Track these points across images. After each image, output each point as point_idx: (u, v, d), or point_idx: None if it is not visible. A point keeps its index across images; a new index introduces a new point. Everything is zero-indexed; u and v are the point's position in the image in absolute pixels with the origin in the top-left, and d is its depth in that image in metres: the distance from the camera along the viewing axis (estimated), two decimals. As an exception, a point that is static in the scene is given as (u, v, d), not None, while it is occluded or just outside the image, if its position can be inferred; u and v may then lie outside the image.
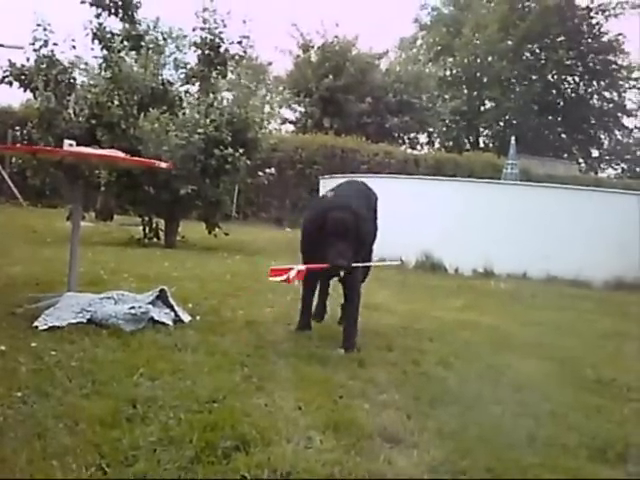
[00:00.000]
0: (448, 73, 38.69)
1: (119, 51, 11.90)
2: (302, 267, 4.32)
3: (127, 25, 13.30)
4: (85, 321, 4.42)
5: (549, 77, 39.11)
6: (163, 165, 5.67)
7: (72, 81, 12.38)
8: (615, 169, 42.74)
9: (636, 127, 41.69)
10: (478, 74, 39.86)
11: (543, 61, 38.81)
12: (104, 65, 12.27)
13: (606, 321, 6.93)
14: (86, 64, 12.97)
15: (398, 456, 2.70)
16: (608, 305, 8.20)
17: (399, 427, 3.03)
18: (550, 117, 38.89)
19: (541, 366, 4.58)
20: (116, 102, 11.40)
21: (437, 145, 39.53)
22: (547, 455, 2.88)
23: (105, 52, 12.55)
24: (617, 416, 3.59)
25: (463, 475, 2.57)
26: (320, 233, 4.36)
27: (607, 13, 38.96)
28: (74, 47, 12.57)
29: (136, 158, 6.24)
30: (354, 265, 4.39)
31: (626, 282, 10.60)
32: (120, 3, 13.24)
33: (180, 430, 2.73)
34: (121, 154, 5.21)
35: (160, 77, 12.37)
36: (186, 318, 4.89)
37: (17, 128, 17.15)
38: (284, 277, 4.22)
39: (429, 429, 3.03)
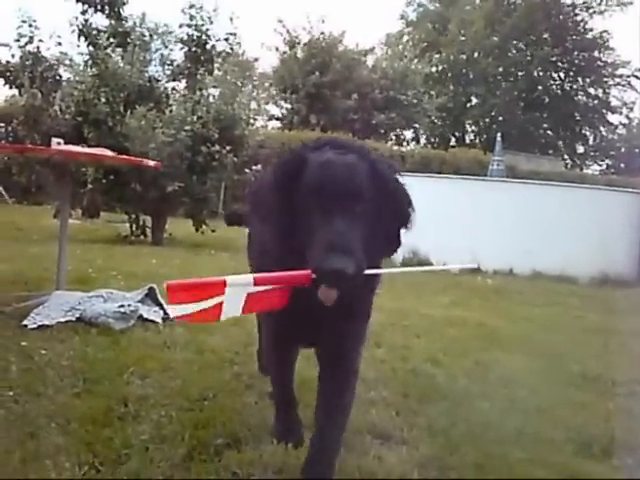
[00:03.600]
0: (434, 69, 38.73)
1: (105, 48, 11.86)
2: (248, 282, 2.08)
3: (113, 21, 13.26)
4: (74, 319, 4.42)
5: (535, 73, 39.27)
6: (151, 164, 5.67)
7: (58, 78, 12.34)
8: (600, 165, 43.08)
9: (621, 123, 41.94)
10: (464, 70, 39.98)
11: (529, 57, 38.95)
12: (90, 62, 12.23)
13: (592, 317, 7.00)
14: (72, 61, 12.93)
15: (388, 452, 2.74)
16: (594, 301, 8.27)
17: (388, 424, 3.06)
18: (536, 113, 39.04)
19: (528, 362, 4.63)
20: (102, 99, 11.37)
21: (423, 141, 39.65)
22: (534, 450, 2.91)
23: (91, 49, 12.51)
24: (602, 411, 3.63)
25: (452, 471, 2.60)
26: (292, 202, 2.13)
27: (592, 10, 39.18)
28: (60, 44, 12.57)
29: (124, 156, 6.24)
30: (370, 273, 2.09)
31: (611, 278, 10.71)
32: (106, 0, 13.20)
33: (172, 428, 2.75)
34: (109, 152, 5.21)
35: (146, 74, 12.36)
36: (175, 316, 4.90)
37: (1, 125, 17.06)
38: (195, 308, 2.02)
39: (418, 426, 3.07)
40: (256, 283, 2.06)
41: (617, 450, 3.02)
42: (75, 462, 2.33)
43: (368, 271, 2.05)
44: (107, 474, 2.29)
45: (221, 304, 2.03)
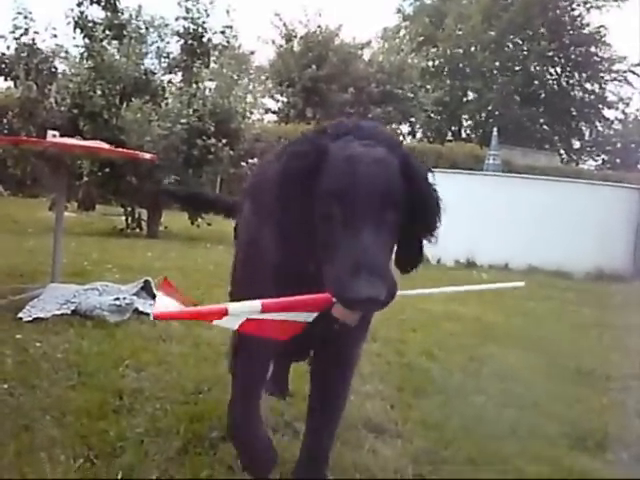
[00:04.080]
0: (431, 64, 38.64)
1: (101, 40, 11.84)
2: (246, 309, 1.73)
3: (109, 14, 13.23)
4: (69, 312, 4.42)
5: (531, 68, 39.23)
6: (147, 157, 5.66)
7: (53, 70, 12.31)
8: (596, 160, 43.07)
9: (617, 119, 41.97)
10: (461, 65, 39.92)
11: (525, 52, 38.92)
12: (86, 54, 12.22)
13: (587, 312, 7.02)
14: (67, 53, 12.89)
15: (382, 446, 2.74)
16: (589, 296, 8.29)
17: (383, 417, 3.07)
18: (532, 108, 39.00)
19: (523, 357, 4.64)
20: (98, 92, 11.35)
21: (419, 135, 39.59)
22: (528, 445, 2.92)
23: (87, 41, 12.50)
24: (596, 405, 3.65)
25: (446, 465, 2.61)
26: (305, 204, 1.75)
27: (589, 5, 39.13)
28: (55, 35, 12.54)
29: (120, 149, 6.22)
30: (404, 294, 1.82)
31: (607, 273, 10.73)
32: (102, -8, 13.17)
33: (167, 421, 2.75)
34: (105, 145, 5.20)
35: (142, 67, 12.32)
36: (170, 309, 4.90)
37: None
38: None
39: (413, 419, 3.08)
40: (264, 309, 1.70)
41: (611, 444, 3.03)
42: (70, 455, 2.33)
43: (401, 292, 1.69)
44: (102, 467, 2.29)
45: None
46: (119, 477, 2.21)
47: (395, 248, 1.83)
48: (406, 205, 1.74)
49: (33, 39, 12.07)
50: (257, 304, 1.69)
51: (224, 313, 1.68)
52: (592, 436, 3.08)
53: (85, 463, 2.30)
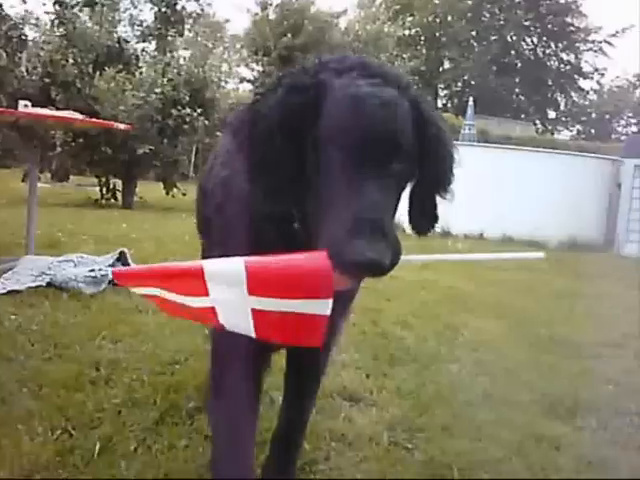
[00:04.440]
0: (407, 32, 38.41)
1: (72, 7, 11.64)
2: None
3: (80, -21, 12.97)
4: (45, 285, 4.40)
5: (508, 38, 39.20)
6: (122, 127, 5.61)
7: (24, 38, 12.08)
8: (571, 131, 43.34)
9: (592, 89, 42.16)
10: (437, 34, 39.78)
11: (502, 22, 38.86)
12: (57, 21, 11.98)
13: (560, 281, 7.12)
14: (38, 20, 12.69)
15: (357, 414, 2.79)
16: (562, 265, 8.38)
17: (358, 386, 3.10)
18: (508, 78, 39.05)
19: (496, 325, 4.70)
20: (71, 60, 11.21)
21: (395, 105, 39.46)
22: (501, 412, 2.98)
23: (58, 8, 12.23)
24: (568, 373, 3.71)
25: (420, 432, 2.65)
26: (301, 146, 1.48)
27: (565, -26, 39.05)
28: (25, 1, 12.31)
29: (94, 120, 6.15)
30: (410, 259, 1.60)
31: (580, 243, 10.86)
32: (73, -44, 12.89)
33: (144, 392, 2.76)
34: (79, 116, 5.14)
35: (115, 35, 12.17)
36: (146, 280, 4.90)
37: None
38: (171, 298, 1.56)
39: (388, 388, 3.12)
40: (249, 271, 1.37)
41: (581, 410, 3.10)
42: (47, 427, 2.34)
43: (409, 257, 1.51)
44: (79, 438, 2.30)
45: (213, 309, 1.45)
46: (97, 448, 2.22)
47: (407, 207, 1.65)
48: (417, 155, 1.51)
49: (1, 5, 11.83)
50: (239, 263, 1.39)
51: (199, 273, 1.42)
52: (563, 403, 3.14)
53: (63, 435, 2.31)
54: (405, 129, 1.47)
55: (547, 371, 3.72)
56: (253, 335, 1.42)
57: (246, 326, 1.42)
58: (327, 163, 1.42)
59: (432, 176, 1.63)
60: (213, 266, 1.44)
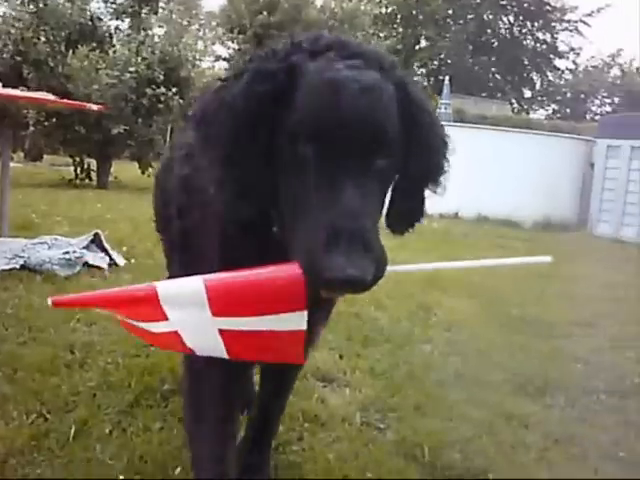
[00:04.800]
0: (383, 10, 38.27)
1: (43, -17, 11.45)
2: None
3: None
4: (18, 267, 4.38)
5: (484, 16, 39.15)
6: (94, 108, 5.57)
7: (-7, 14, 11.88)
8: (546, 110, 43.54)
9: (567, 69, 42.31)
10: (413, 12, 39.61)
11: (478, 0, 38.78)
12: (28, -2, 11.79)
13: (533, 261, 7.19)
14: (7, -5, 12.46)
15: (331, 395, 2.83)
16: (536, 245, 8.49)
17: (332, 367, 3.14)
18: (484, 57, 39.08)
19: (470, 305, 4.77)
20: (42, 38, 11.03)
21: (371, 83, 39.33)
22: (472, 391, 3.04)
23: (28, -16, 12.04)
24: (538, 352, 3.79)
25: (392, 412, 2.70)
26: (268, 140, 1.30)
27: (541, -48, 39.02)
28: (-7, -23, 12.04)
29: (66, 100, 6.09)
30: (397, 269, 1.50)
31: (554, 222, 10.99)
32: None
33: (119, 375, 2.78)
34: (51, 96, 5.09)
35: (88, 12, 11.98)
36: (121, 261, 4.90)
37: None
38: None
39: (361, 368, 3.17)
40: (210, 291, 1.24)
41: (550, 389, 3.17)
42: (22, 411, 2.35)
43: (393, 268, 1.38)
44: (55, 422, 2.32)
45: (176, 333, 1.33)
46: (72, 431, 2.24)
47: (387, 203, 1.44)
48: (403, 146, 1.34)
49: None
50: (198, 283, 1.25)
51: (153, 298, 1.26)
52: (533, 382, 3.22)
53: (38, 418, 2.33)
54: (390, 119, 1.29)
55: (518, 351, 3.79)
56: (226, 357, 1.32)
57: (217, 348, 1.31)
58: (299, 160, 1.24)
59: (421, 168, 1.44)
60: (168, 288, 1.29)
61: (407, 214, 1.54)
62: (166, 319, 1.28)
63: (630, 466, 2.46)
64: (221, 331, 1.27)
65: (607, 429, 2.79)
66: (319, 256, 1.14)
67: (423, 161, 1.43)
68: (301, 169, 1.24)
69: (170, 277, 1.84)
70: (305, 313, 1.23)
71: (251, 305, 1.25)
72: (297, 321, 1.24)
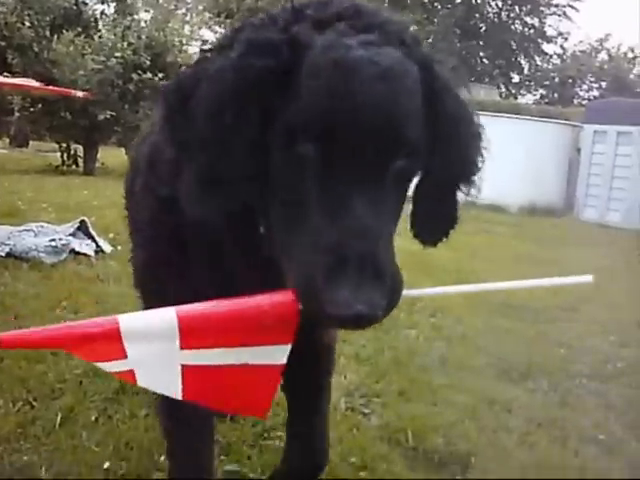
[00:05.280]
0: (372, -5, 38.14)
1: (27, -33, 11.33)
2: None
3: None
4: (4, 255, 4.37)
5: (472, 1, 39.08)
6: (80, 94, 5.54)
7: (-25, -1, 11.76)
8: (534, 95, 43.55)
9: (555, 53, 42.31)
10: (401, -4, 39.50)
11: (466, -16, 38.70)
12: (11, -18, 11.68)
13: (519, 245, 7.25)
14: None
15: (316, 381, 2.85)
16: (522, 230, 8.54)
17: (318, 353, 3.16)
18: (472, 41, 39.03)
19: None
20: (27, 23, 10.93)
21: (360, 69, 39.23)
22: (456, 376, 3.08)
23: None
24: (523, 338, 3.83)
25: (377, 398, 2.73)
26: (264, 132, 1.04)
27: (530, -64, 38.91)
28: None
29: (51, 87, 6.07)
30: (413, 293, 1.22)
31: (540, 207, 11.04)
32: None
33: (105, 362, 2.78)
34: (35, 83, 5.07)
35: (73, -4, 11.89)
36: (107, 248, 4.90)
37: None
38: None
39: (345, 354, 3.18)
40: (182, 324, 1.06)
41: (533, 374, 3.21)
42: (9, 398, 2.37)
43: (410, 292, 1.16)
44: (41, 409, 2.33)
45: (132, 372, 1.14)
46: (58, 419, 2.25)
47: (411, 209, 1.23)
48: (428, 140, 1.09)
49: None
50: (170, 315, 1.07)
51: (114, 334, 1.07)
52: (516, 367, 3.26)
53: (24, 406, 2.34)
54: (414, 110, 1.04)
55: (502, 336, 3.83)
56: (179, 397, 1.13)
57: (171, 386, 1.13)
58: (297, 160, 1.01)
59: (451, 165, 1.21)
60: (133, 321, 1.10)
61: (437, 221, 1.31)
62: (124, 357, 1.10)
63: (610, 448, 2.50)
64: (184, 366, 1.10)
65: (588, 412, 2.83)
66: (320, 286, 0.93)
67: (453, 157, 1.20)
68: (299, 171, 1.00)
69: (133, 251, 1.70)
70: (288, 347, 1.07)
71: (230, 335, 1.09)
72: (277, 355, 1.09)
